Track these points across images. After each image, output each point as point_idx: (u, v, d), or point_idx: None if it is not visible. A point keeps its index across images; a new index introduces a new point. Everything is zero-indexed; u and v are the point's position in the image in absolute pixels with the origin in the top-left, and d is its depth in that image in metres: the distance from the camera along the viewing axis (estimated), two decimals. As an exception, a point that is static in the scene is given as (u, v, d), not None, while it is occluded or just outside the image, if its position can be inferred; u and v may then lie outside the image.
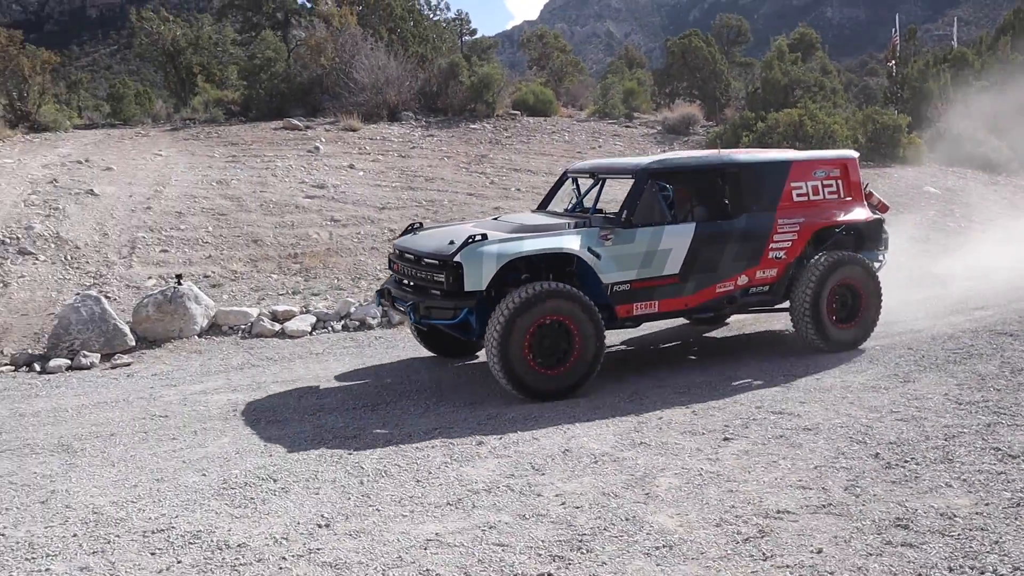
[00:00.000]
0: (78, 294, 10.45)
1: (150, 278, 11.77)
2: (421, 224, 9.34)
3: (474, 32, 39.11)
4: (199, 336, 10.39)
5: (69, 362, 9.48)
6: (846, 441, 6.03)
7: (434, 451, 6.21)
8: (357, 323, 11.00)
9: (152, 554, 4.62)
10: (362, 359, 9.50)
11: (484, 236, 7.47)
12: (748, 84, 29.40)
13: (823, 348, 8.56)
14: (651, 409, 7.06)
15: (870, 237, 9.05)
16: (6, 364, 9.63)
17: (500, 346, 7.18)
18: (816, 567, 4.14)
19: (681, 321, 10.24)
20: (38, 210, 13.15)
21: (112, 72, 68.54)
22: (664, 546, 4.46)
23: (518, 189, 16.67)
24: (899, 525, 4.60)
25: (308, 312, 11.14)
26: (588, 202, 9.11)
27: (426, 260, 7.69)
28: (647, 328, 9.78)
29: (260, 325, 10.63)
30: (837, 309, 8.60)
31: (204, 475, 5.87)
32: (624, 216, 7.97)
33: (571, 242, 7.65)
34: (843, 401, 7.04)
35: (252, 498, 5.40)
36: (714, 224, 8.29)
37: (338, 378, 8.74)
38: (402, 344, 10.12)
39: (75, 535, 4.93)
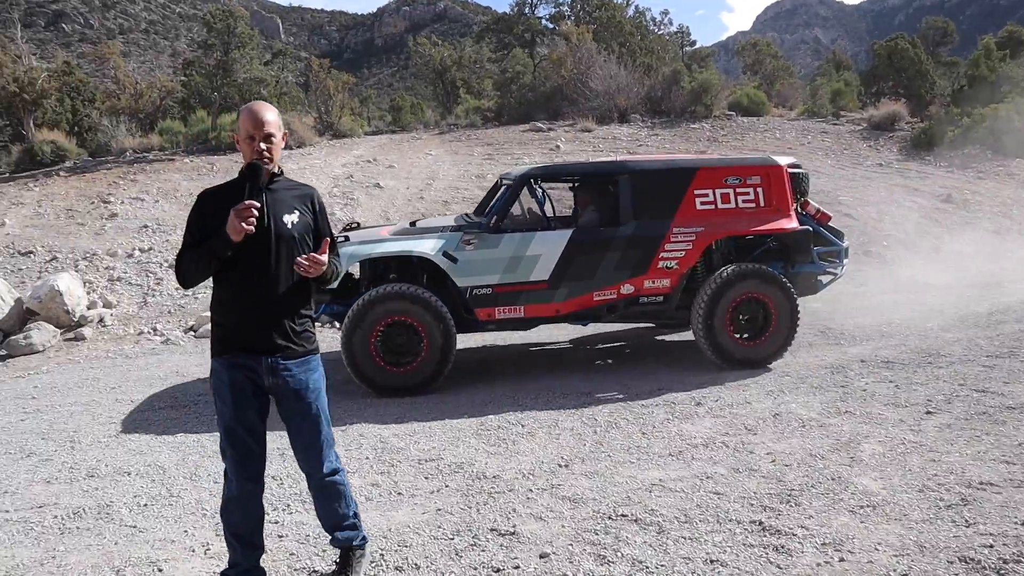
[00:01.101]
0: (368, 267, 11.15)
1: (423, 255, 12.37)
2: (359, 224, 8.67)
3: (693, 43, 38.23)
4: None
5: (361, 321, 10.13)
6: (1052, 420, 5.41)
7: (657, 409, 6.14)
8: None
9: (426, 478, 4.87)
10: (599, 327, 9.53)
11: (346, 238, 7.02)
12: (953, 82, 26.85)
13: (722, 366, 7.12)
14: (855, 382, 6.63)
15: (796, 248, 7.36)
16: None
17: (346, 343, 6.70)
18: (1020, 537, 3.74)
19: (894, 304, 9.56)
20: (339, 200, 14.14)
21: (393, 89, 72.22)
22: (868, 506, 4.19)
23: (731, 181, 16.12)
24: (1108, 504, 4.08)
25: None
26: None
27: None
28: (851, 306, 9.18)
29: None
30: (743, 325, 7.18)
31: (465, 417, 6.11)
32: (493, 221, 7.10)
33: (424, 246, 6.92)
34: (1049, 382, 6.32)
35: (504, 439, 5.57)
36: (593, 231, 7.16)
37: (576, 342, 8.84)
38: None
39: (367, 458, 5.28)
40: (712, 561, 3.68)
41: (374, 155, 17.61)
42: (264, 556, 3.53)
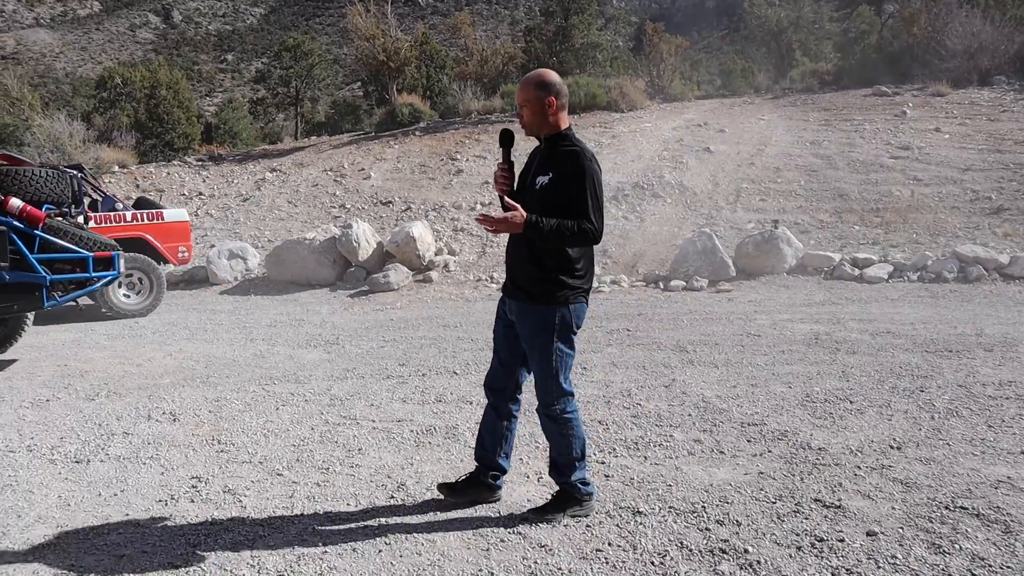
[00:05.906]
0: (694, 231, 11.18)
1: (750, 222, 12.12)
2: None
3: (1085, -8, 32.72)
4: (787, 273, 10.48)
5: (684, 284, 10.25)
6: None
7: (1008, 402, 5.55)
8: (932, 276, 10.17)
9: (748, 441, 4.87)
10: (936, 309, 8.78)
11: None
12: None
13: None
14: None
15: None
16: (639, 280, 10.74)
17: None
18: None
19: None
20: (667, 163, 14.26)
21: (722, 52, 70.28)
22: None
23: (1125, 154, 13.79)
24: None
25: (886, 261, 10.59)
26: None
27: None
28: None
29: (841, 269, 10.38)
30: None
31: (789, 387, 5.98)
32: None
33: None
34: None
35: (830, 413, 5.38)
36: None
37: (910, 323, 8.20)
38: (978, 299, 9.14)
39: (690, 415, 5.39)
40: (1073, 573, 3.32)
41: (704, 119, 17.44)
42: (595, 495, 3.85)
